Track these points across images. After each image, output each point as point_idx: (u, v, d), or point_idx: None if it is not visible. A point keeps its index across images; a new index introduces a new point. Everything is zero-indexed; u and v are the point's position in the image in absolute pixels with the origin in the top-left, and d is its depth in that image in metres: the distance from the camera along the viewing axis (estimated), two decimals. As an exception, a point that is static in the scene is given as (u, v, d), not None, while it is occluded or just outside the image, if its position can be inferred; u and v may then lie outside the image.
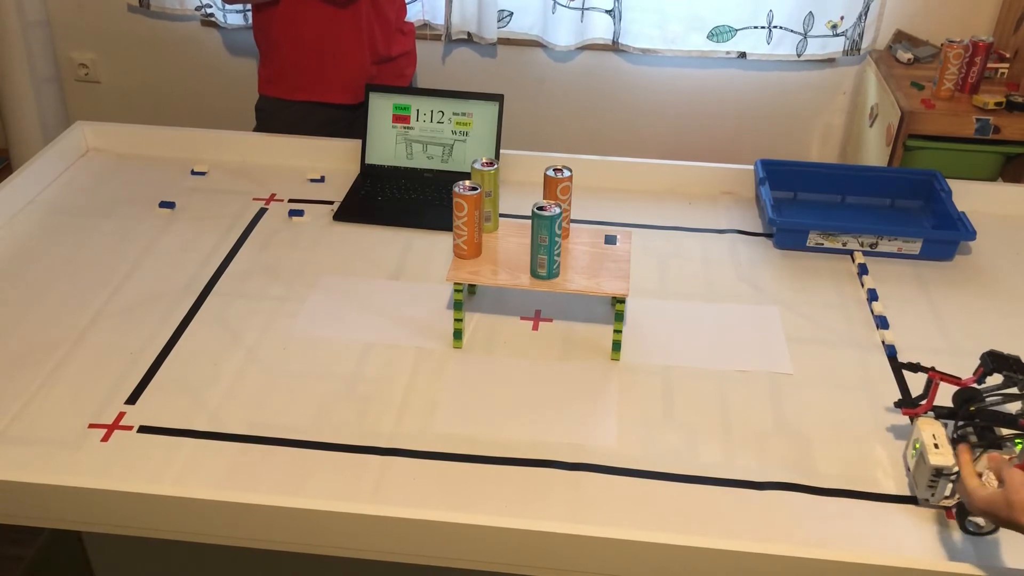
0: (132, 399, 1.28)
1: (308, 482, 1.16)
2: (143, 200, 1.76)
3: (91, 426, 1.23)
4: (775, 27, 2.75)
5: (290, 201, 1.77)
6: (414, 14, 2.84)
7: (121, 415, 1.25)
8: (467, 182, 1.33)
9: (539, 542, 1.07)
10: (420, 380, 1.33)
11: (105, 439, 1.21)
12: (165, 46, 3.05)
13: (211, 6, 2.89)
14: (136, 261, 1.58)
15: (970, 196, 1.75)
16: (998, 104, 2.41)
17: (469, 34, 2.86)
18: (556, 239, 1.30)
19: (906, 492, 1.16)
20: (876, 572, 1.04)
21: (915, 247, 1.61)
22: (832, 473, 1.19)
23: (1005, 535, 1.10)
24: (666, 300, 1.51)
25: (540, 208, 1.28)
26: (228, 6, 2.84)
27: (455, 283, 1.36)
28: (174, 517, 1.12)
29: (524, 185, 1.78)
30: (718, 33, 2.78)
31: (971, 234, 1.59)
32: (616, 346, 1.37)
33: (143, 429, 1.23)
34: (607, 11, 2.77)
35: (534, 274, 1.33)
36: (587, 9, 2.78)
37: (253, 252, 1.61)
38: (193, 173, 1.85)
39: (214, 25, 2.95)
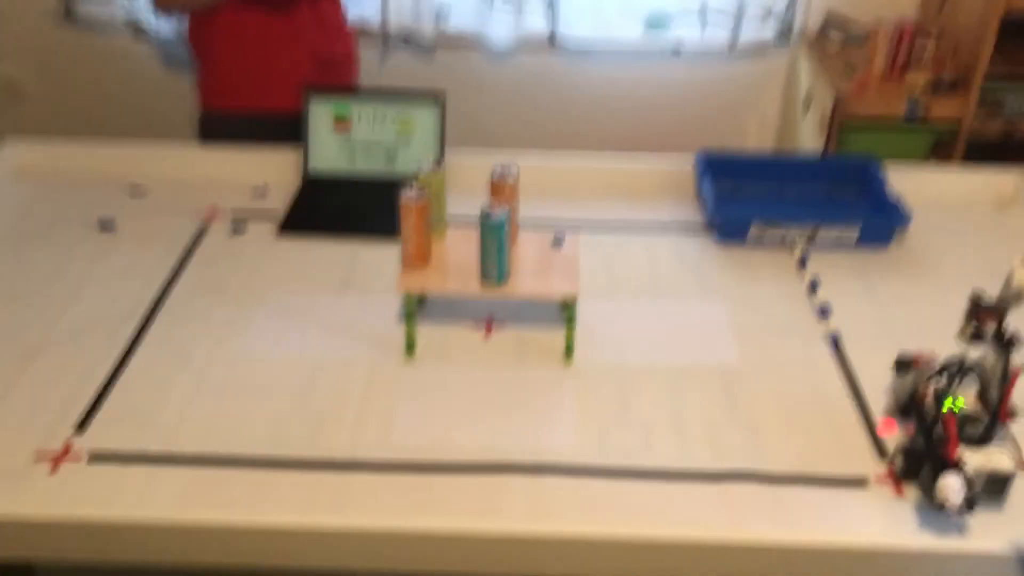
0: (80, 427, 1.26)
1: (266, 500, 1.15)
2: (80, 221, 1.72)
3: (39, 456, 1.21)
4: (709, 14, 2.78)
5: (233, 215, 1.74)
6: (350, 17, 2.81)
7: (70, 444, 1.23)
8: (413, 188, 1.32)
9: (501, 546, 1.08)
10: (374, 393, 1.33)
11: (54, 469, 1.19)
12: (95, 59, 2.98)
13: (141, 17, 2.83)
14: (77, 285, 1.54)
15: (904, 179, 1.79)
16: (927, 84, 2.46)
17: (407, 36, 2.85)
18: (504, 243, 1.30)
19: (856, 474, 1.19)
20: (834, 555, 1.07)
21: (853, 235, 1.64)
22: (784, 461, 1.21)
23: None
24: (615, 299, 1.53)
25: (487, 213, 1.29)
26: (162, 15, 2.78)
27: (405, 293, 1.36)
28: (131, 543, 1.11)
29: (470, 187, 1.77)
30: (654, 22, 2.80)
31: (906, 219, 1.63)
32: (569, 348, 1.38)
33: (93, 456, 1.21)
34: (543, 8, 2.78)
35: (484, 280, 1.34)
36: (523, 7, 2.78)
37: (198, 270, 1.59)
38: (131, 190, 1.82)
39: (146, 37, 2.89)
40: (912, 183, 1.80)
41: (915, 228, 1.69)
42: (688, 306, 1.51)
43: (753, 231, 1.65)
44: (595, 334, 1.44)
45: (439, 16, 2.83)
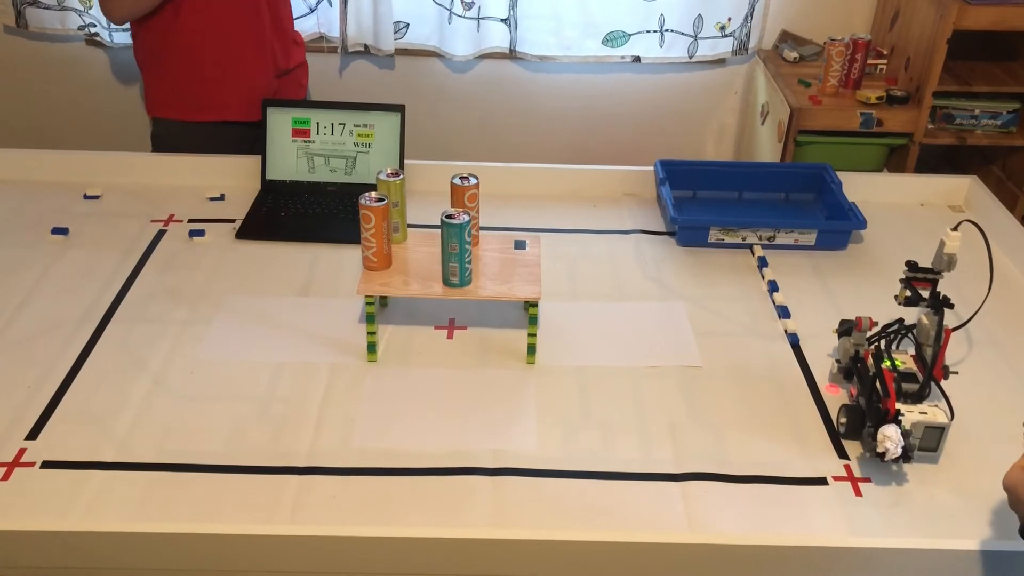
0: (33, 434, 1.23)
1: (225, 507, 1.13)
2: (33, 228, 1.68)
3: (-10, 465, 1.18)
4: (667, 30, 2.82)
5: (190, 221, 1.72)
6: (309, 27, 2.81)
7: (22, 451, 1.20)
8: (373, 193, 1.32)
9: (464, 549, 1.07)
10: (335, 396, 1.31)
11: (5, 478, 1.16)
12: (48, 68, 2.93)
13: (95, 25, 2.80)
14: (29, 291, 1.51)
15: (859, 187, 1.83)
16: (879, 98, 2.52)
17: (366, 46, 2.84)
18: (466, 246, 1.30)
19: (815, 474, 1.20)
20: (795, 553, 1.07)
21: (810, 238, 1.67)
22: (745, 460, 1.22)
23: (916, 508, 1.15)
24: (577, 302, 1.53)
25: (449, 216, 1.28)
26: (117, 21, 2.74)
27: (366, 296, 1.35)
28: (86, 552, 1.07)
29: (430, 195, 1.78)
30: (613, 38, 2.83)
31: (862, 223, 1.66)
32: (531, 350, 1.38)
33: (47, 464, 1.18)
34: (502, 20, 2.80)
35: (446, 282, 1.33)
36: (483, 19, 2.79)
37: (154, 275, 1.56)
38: (86, 197, 1.79)
39: (100, 44, 2.86)
40: (865, 189, 1.84)
41: (869, 231, 1.72)
42: (649, 308, 1.52)
43: (713, 235, 1.67)
44: (558, 336, 1.44)
45: (398, 31, 2.83)
